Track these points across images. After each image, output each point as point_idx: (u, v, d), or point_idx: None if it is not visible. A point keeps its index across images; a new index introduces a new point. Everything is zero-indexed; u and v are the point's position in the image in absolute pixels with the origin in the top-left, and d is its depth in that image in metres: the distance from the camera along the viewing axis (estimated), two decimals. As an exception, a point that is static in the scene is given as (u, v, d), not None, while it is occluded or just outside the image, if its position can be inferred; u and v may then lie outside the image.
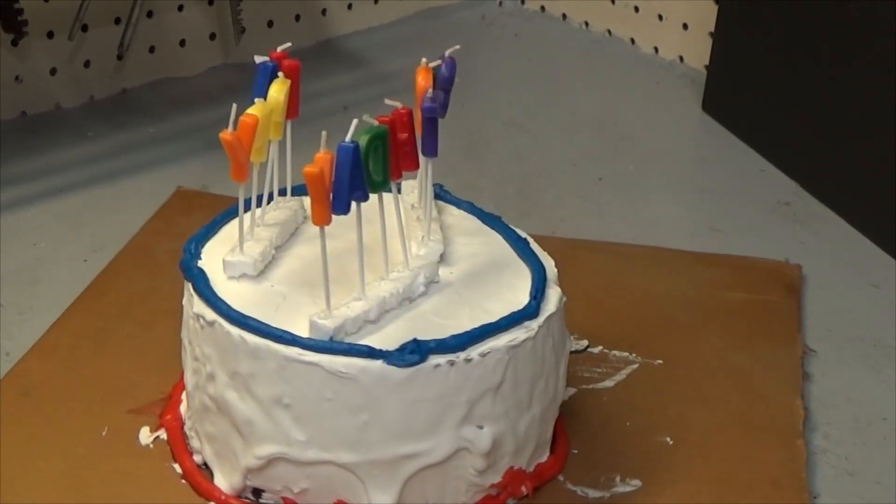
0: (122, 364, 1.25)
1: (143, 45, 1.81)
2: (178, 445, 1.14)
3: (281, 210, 1.16)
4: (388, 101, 1.04)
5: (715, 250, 1.51)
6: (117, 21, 1.76)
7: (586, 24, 2.08)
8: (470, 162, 1.70)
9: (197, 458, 1.13)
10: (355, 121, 0.98)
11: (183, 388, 1.16)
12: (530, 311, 1.07)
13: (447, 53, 1.11)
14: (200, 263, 1.10)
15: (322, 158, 0.97)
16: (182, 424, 1.16)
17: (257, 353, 1.03)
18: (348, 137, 0.97)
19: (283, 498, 1.08)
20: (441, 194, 1.22)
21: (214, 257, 1.11)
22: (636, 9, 2.01)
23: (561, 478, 1.14)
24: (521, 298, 1.08)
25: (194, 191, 1.54)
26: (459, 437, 1.05)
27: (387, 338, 1.03)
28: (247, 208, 1.12)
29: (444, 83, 1.12)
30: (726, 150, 1.75)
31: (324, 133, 0.98)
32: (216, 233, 1.15)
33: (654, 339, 1.32)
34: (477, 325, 1.04)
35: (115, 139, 1.71)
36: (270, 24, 1.92)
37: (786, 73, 1.68)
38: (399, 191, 1.20)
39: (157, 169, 1.64)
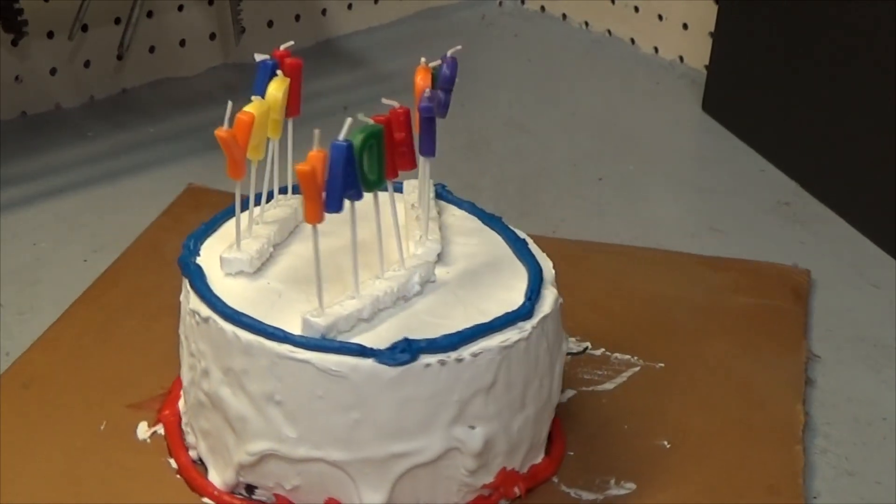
0: (124, 359, 1.25)
1: (143, 45, 1.81)
2: (174, 441, 1.15)
3: (281, 208, 1.16)
4: (385, 101, 1.04)
5: (715, 250, 1.51)
6: (117, 21, 1.76)
7: (586, 24, 2.08)
8: (470, 162, 1.70)
9: (192, 454, 1.13)
10: (349, 119, 0.98)
11: (182, 383, 1.16)
12: (524, 312, 1.07)
13: (449, 53, 1.12)
14: (199, 260, 1.11)
15: (314, 157, 0.97)
16: (180, 420, 1.16)
17: (250, 350, 1.03)
18: (342, 136, 0.98)
19: (276, 495, 1.08)
20: (443, 194, 1.22)
21: (213, 254, 1.11)
22: (636, 9, 2.01)
23: (555, 479, 1.14)
24: (517, 299, 1.08)
25: (204, 188, 1.54)
26: (450, 437, 1.05)
27: (379, 336, 1.03)
28: (250, 205, 1.13)
29: (444, 83, 1.12)
30: (726, 150, 1.75)
31: (316, 131, 0.98)
32: (216, 230, 1.15)
33: (657, 342, 1.32)
34: (470, 325, 1.04)
35: (115, 139, 1.71)
36: (270, 24, 1.92)
37: (786, 73, 1.68)
38: (401, 190, 1.20)
39: (157, 169, 1.64)
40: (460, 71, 1.12)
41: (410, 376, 1.01)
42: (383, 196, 1.07)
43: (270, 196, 1.17)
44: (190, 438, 1.14)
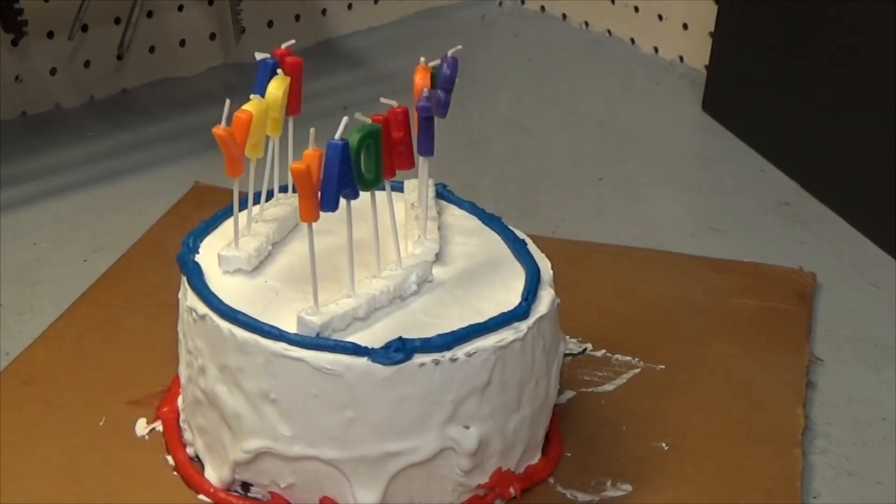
0: (125, 356, 1.26)
1: (143, 45, 1.81)
2: (172, 438, 1.15)
3: (281, 206, 1.16)
4: (383, 100, 1.04)
5: (715, 250, 1.51)
6: (117, 21, 1.76)
7: (586, 24, 2.08)
8: (470, 162, 1.70)
9: (190, 451, 1.14)
10: (345, 119, 0.99)
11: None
12: (520, 313, 1.07)
13: (450, 53, 1.12)
14: (198, 258, 1.11)
15: (310, 155, 0.98)
16: (178, 417, 1.17)
17: (245, 348, 1.03)
18: (338, 135, 0.98)
19: (271, 492, 1.08)
20: (444, 194, 1.22)
21: (213, 252, 1.11)
22: (636, 9, 2.01)
23: (551, 480, 1.14)
24: (513, 299, 1.08)
25: (211, 186, 1.54)
26: (445, 437, 1.05)
27: (375, 335, 1.03)
28: (248, 204, 1.13)
29: (445, 83, 1.12)
30: (726, 150, 1.75)
31: (312, 130, 0.98)
32: (216, 228, 1.16)
33: (659, 344, 1.32)
34: (466, 324, 1.04)
35: (115, 139, 1.71)
36: (270, 24, 1.92)
37: (786, 73, 1.68)
38: (401, 189, 1.20)
39: (157, 169, 1.64)
40: (460, 71, 1.12)
41: (404, 375, 1.01)
42: (383, 195, 1.07)
43: (271, 195, 1.18)
44: (187, 435, 1.14)
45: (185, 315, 1.10)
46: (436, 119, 1.13)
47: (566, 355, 1.28)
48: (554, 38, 2.06)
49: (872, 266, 1.50)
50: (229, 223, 1.14)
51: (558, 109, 1.85)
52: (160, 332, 1.25)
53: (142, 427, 1.17)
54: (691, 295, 1.40)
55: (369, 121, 1.00)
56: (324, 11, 1.99)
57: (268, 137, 1.11)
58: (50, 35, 1.73)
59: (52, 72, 1.75)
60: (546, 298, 1.10)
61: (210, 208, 1.18)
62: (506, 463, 1.10)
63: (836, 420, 1.26)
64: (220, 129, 1.03)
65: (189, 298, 1.08)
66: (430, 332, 1.03)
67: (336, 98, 1.78)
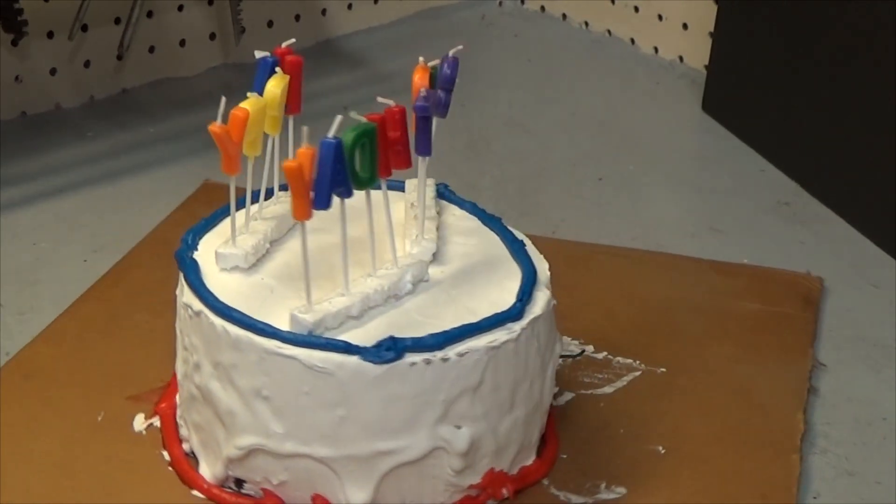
0: (126, 352, 1.26)
1: (143, 45, 1.82)
2: (169, 433, 1.15)
3: (281, 204, 1.17)
4: (380, 100, 1.04)
5: (715, 250, 1.51)
6: (117, 21, 1.76)
7: (586, 24, 2.08)
8: (470, 162, 1.70)
9: (185, 447, 1.14)
10: (339, 117, 0.99)
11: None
12: (514, 313, 1.06)
13: (451, 53, 1.12)
14: (197, 254, 1.12)
15: (302, 154, 0.98)
16: (176, 413, 1.17)
17: (238, 345, 1.04)
18: (331, 133, 0.98)
19: (263, 489, 1.08)
20: (445, 194, 1.22)
21: (211, 249, 1.12)
22: (636, 9, 2.01)
23: (546, 482, 1.13)
24: (509, 300, 1.08)
25: (221, 184, 1.54)
26: (436, 436, 1.04)
27: (367, 334, 1.03)
28: (246, 202, 1.14)
29: (445, 83, 1.12)
30: (726, 150, 1.75)
31: (304, 128, 0.98)
32: (216, 225, 1.16)
33: (661, 346, 1.31)
34: (459, 324, 1.04)
35: (115, 139, 1.71)
36: (270, 24, 1.92)
37: (786, 73, 1.68)
38: (399, 189, 1.20)
39: (157, 169, 1.64)
40: (460, 71, 1.12)
41: (395, 374, 1.02)
42: (381, 194, 1.07)
43: (271, 193, 1.18)
44: (183, 431, 1.15)
45: (182, 311, 1.10)
46: (436, 119, 1.14)
47: (565, 357, 1.28)
48: (554, 38, 2.06)
49: (872, 266, 1.50)
50: (229, 221, 1.14)
51: (558, 109, 1.85)
52: (163, 329, 1.25)
53: (140, 422, 1.17)
54: (695, 298, 1.40)
55: (364, 120, 1.00)
56: (324, 11, 1.99)
57: (268, 136, 1.11)
58: (50, 35, 1.73)
59: (52, 72, 1.75)
60: (541, 299, 1.09)
61: (219, 206, 1.18)
62: (498, 464, 1.09)
63: (836, 420, 1.26)
64: (215, 127, 1.04)
65: (185, 295, 1.09)
66: (423, 332, 1.03)
67: (336, 98, 1.78)
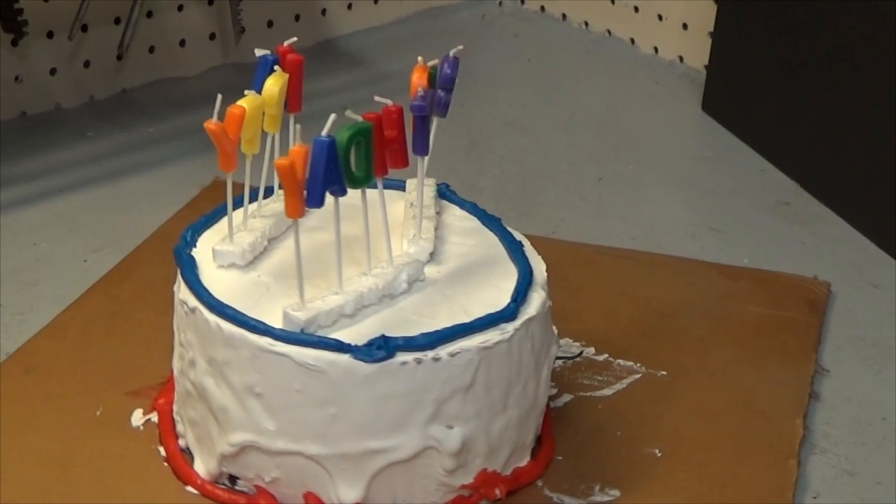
0: (128, 348, 1.27)
1: (143, 45, 1.81)
2: (166, 429, 1.16)
3: (280, 202, 1.16)
4: (377, 99, 1.05)
5: (715, 250, 1.51)
6: (117, 21, 1.76)
7: (586, 24, 2.08)
8: (470, 162, 1.70)
9: (181, 443, 1.14)
10: (332, 115, 0.99)
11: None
12: (507, 314, 1.06)
13: (451, 53, 1.12)
14: (195, 251, 1.12)
15: (295, 152, 0.98)
16: (173, 409, 1.17)
17: (232, 342, 1.04)
18: (324, 132, 0.98)
19: (256, 486, 1.08)
20: (446, 194, 1.22)
21: (210, 246, 1.12)
22: (636, 9, 2.01)
23: (539, 483, 1.13)
24: (504, 300, 1.08)
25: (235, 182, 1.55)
26: (427, 436, 1.05)
27: (360, 333, 1.03)
28: (244, 200, 1.14)
29: (445, 83, 1.12)
30: (726, 150, 1.75)
31: (297, 126, 0.99)
32: (217, 222, 1.16)
33: (663, 349, 1.31)
34: (452, 324, 1.04)
35: (115, 139, 1.71)
36: (270, 24, 1.92)
37: (786, 73, 1.68)
38: (397, 188, 1.20)
39: (157, 169, 1.64)
40: (460, 71, 1.12)
41: (386, 373, 1.02)
42: (388, 193, 1.07)
43: (271, 191, 1.18)
44: (180, 427, 1.15)
45: (178, 308, 1.11)
46: (436, 119, 1.14)
47: (564, 358, 1.28)
48: (554, 38, 2.06)
49: (872, 266, 1.50)
50: (232, 217, 1.15)
51: (558, 109, 1.85)
52: (165, 326, 1.25)
53: (137, 418, 1.18)
54: (700, 301, 1.39)
55: (360, 119, 1.01)
56: (324, 11, 1.99)
57: (268, 134, 1.11)
58: (50, 35, 1.73)
59: (52, 72, 1.75)
60: (537, 300, 1.09)
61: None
62: (491, 464, 1.09)
63: (836, 420, 1.26)
64: (211, 124, 1.04)
65: (181, 291, 1.09)
66: (415, 331, 1.03)
67: (336, 98, 1.77)
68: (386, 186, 1.07)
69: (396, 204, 1.17)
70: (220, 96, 1.04)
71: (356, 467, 1.05)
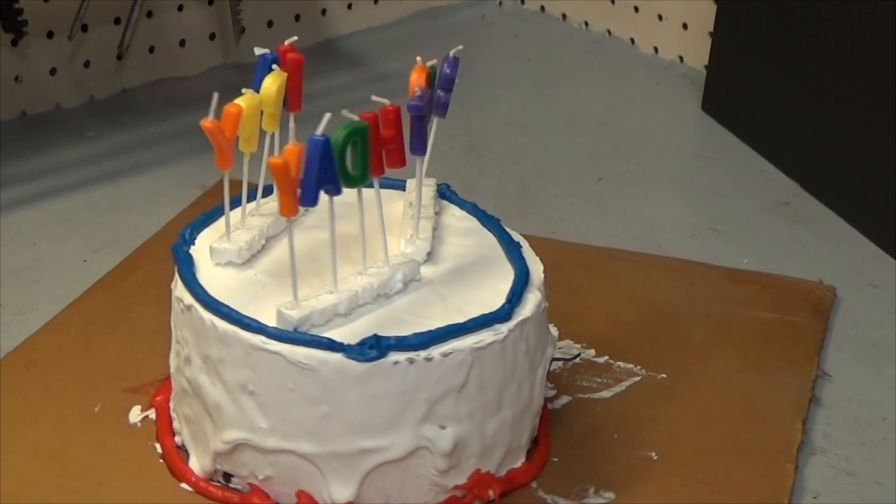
0: (129, 344, 1.27)
1: (143, 45, 1.81)
2: (163, 426, 1.16)
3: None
4: (374, 98, 1.05)
5: (715, 250, 1.51)
6: (117, 21, 1.76)
7: (586, 24, 2.08)
8: (470, 162, 1.70)
9: (177, 440, 1.15)
10: (327, 115, 0.99)
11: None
12: (501, 315, 1.06)
13: (451, 53, 1.12)
14: (193, 249, 1.13)
15: (289, 150, 0.98)
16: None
17: (226, 339, 1.04)
18: (319, 131, 0.98)
19: (250, 484, 1.09)
20: (447, 194, 1.22)
21: (208, 244, 1.12)
22: (636, 9, 2.01)
23: (534, 485, 1.13)
24: (498, 301, 1.08)
25: (239, 180, 1.54)
26: (420, 436, 1.04)
27: (353, 332, 1.03)
28: (243, 199, 1.14)
29: (445, 83, 1.12)
30: (726, 150, 1.75)
31: (292, 126, 0.98)
32: (215, 220, 1.16)
33: (664, 352, 1.30)
34: (446, 324, 1.04)
35: (115, 139, 1.71)
36: (270, 24, 1.92)
37: (786, 73, 1.68)
38: (395, 187, 1.20)
39: (157, 169, 1.64)
40: (460, 71, 1.12)
41: (378, 373, 1.02)
42: (388, 193, 1.07)
43: (271, 190, 1.18)
44: (176, 424, 1.15)
45: (175, 305, 1.11)
46: (436, 119, 1.14)
47: (562, 360, 1.27)
48: (554, 38, 2.06)
49: (872, 266, 1.50)
50: (229, 215, 1.15)
51: (558, 109, 1.85)
52: (167, 323, 1.25)
53: (135, 414, 1.18)
54: (703, 304, 1.39)
55: (357, 118, 1.01)
56: (324, 11, 1.99)
57: (267, 133, 1.11)
58: (50, 35, 1.73)
59: (52, 72, 1.75)
60: (532, 301, 1.09)
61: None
62: (485, 465, 1.09)
63: (836, 420, 1.26)
64: (207, 122, 1.04)
65: (178, 288, 1.10)
66: (409, 331, 1.03)
67: (336, 98, 1.77)
68: (387, 186, 1.07)
69: (396, 204, 1.17)
70: (216, 94, 1.04)
71: (348, 466, 1.05)
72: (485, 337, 1.05)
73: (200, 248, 1.13)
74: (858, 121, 1.56)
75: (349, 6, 2.02)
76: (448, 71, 1.12)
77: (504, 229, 1.17)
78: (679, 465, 1.16)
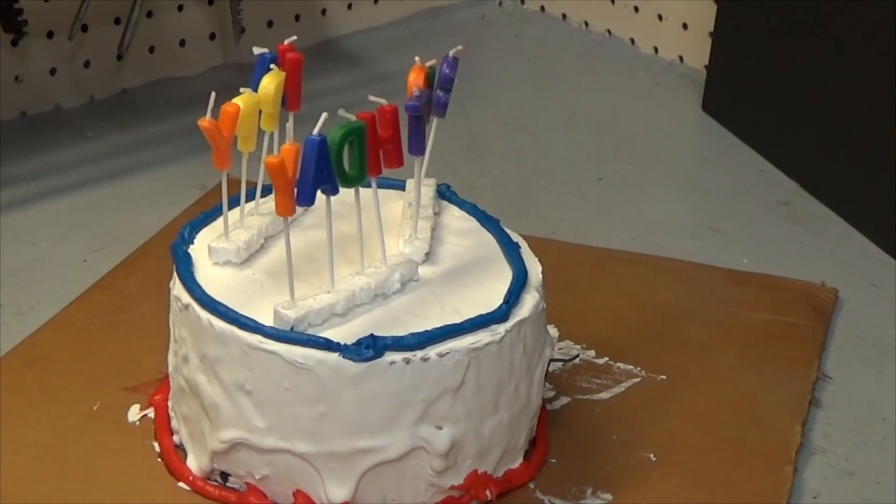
0: (129, 343, 1.27)
1: (143, 45, 1.81)
2: (161, 425, 1.16)
3: None
4: (372, 98, 1.05)
5: (715, 250, 1.51)
6: (117, 21, 1.76)
7: (586, 24, 2.08)
8: (470, 162, 1.70)
9: (176, 439, 1.15)
10: (324, 115, 0.99)
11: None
12: (499, 315, 1.06)
13: (451, 53, 1.11)
14: (192, 248, 1.13)
15: (286, 150, 0.98)
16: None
17: (223, 339, 1.04)
18: (315, 131, 0.98)
19: (247, 483, 1.09)
20: (447, 194, 1.22)
21: (207, 243, 1.13)
22: (636, 9, 2.01)
23: (531, 486, 1.13)
24: (496, 301, 1.07)
25: (238, 180, 1.54)
26: (416, 436, 1.04)
27: (350, 332, 1.03)
28: (241, 198, 1.14)
29: (444, 83, 1.12)
30: (726, 150, 1.75)
31: (289, 125, 0.98)
32: (215, 220, 1.17)
33: (664, 354, 1.30)
34: (443, 325, 1.04)
35: (115, 139, 1.71)
36: (270, 24, 1.92)
37: (786, 73, 1.68)
38: (393, 187, 1.20)
39: (157, 169, 1.64)
40: (460, 71, 1.12)
41: (375, 373, 1.02)
42: (380, 193, 1.07)
43: (270, 189, 1.18)
44: (174, 423, 1.15)
45: (173, 304, 1.11)
46: (436, 119, 1.14)
47: (561, 361, 1.27)
48: (554, 38, 2.06)
49: (872, 266, 1.50)
50: (229, 215, 1.15)
51: (558, 109, 1.85)
52: (168, 323, 1.26)
53: (134, 413, 1.18)
54: (705, 305, 1.39)
55: (354, 118, 1.01)
56: (324, 11, 1.99)
57: (266, 132, 1.11)
58: (50, 35, 1.73)
59: (52, 72, 1.75)
60: (530, 302, 1.09)
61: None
62: (482, 465, 1.09)
63: (836, 420, 1.26)
64: (205, 121, 1.04)
65: (176, 287, 1.10)
66: (406, 331, 1.03)
67: (336, 98, 1.77)
68: (387, 186, 1.07)
69: (395, 204, 1.17)
70: (213, 94, 1.04)
71: (345, 466, 1.05)
72: (482, 337, 1.05)
73: (199, 248, 1.13)
74: (858, 121, 1.56)
75: (349, 6, 2.02)
76: (447, 71, 1.12)
77: (503, 230, 1.17)
78: (677, 467, 1.16)
